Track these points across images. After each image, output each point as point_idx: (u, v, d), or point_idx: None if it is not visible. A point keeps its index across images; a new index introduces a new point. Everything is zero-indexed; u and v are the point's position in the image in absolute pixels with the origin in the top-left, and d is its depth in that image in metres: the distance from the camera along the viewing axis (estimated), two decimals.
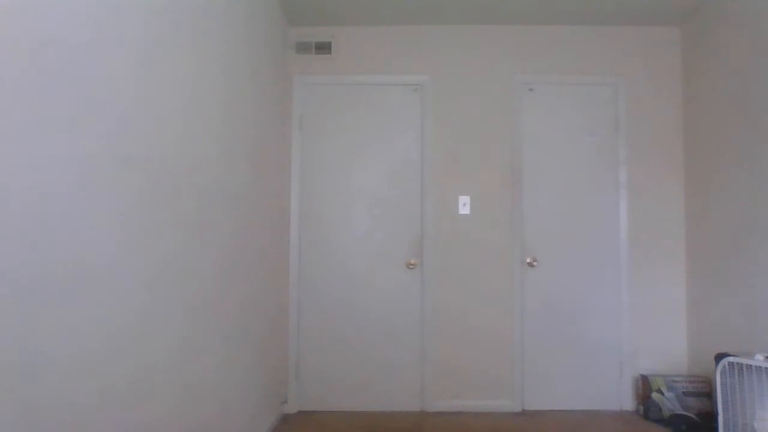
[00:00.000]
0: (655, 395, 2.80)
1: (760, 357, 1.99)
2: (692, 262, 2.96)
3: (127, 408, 1.24)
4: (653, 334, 2.99)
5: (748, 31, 2.50)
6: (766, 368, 1.99)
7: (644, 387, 2.84)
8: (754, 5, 2.47)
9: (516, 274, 2.99)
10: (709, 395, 2.75)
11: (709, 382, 2.76)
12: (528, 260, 3.01)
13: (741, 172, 2.54)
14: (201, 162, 1.71)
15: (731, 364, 2.09)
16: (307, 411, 2.95)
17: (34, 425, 0.92)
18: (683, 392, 2.77)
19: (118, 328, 1.19)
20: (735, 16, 2.61)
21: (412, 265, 3.00)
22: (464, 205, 3.02)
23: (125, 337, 1.23)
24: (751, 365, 2.02)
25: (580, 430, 2.63)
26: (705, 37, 2.86)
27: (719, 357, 2.14)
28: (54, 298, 0.97)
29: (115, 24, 1.19)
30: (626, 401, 2.96)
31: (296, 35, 3.10)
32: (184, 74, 1.57)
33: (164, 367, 1.43)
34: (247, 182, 2.24)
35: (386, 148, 3.07)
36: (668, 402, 2.77)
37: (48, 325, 0.96)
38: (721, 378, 2.12)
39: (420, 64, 3.09)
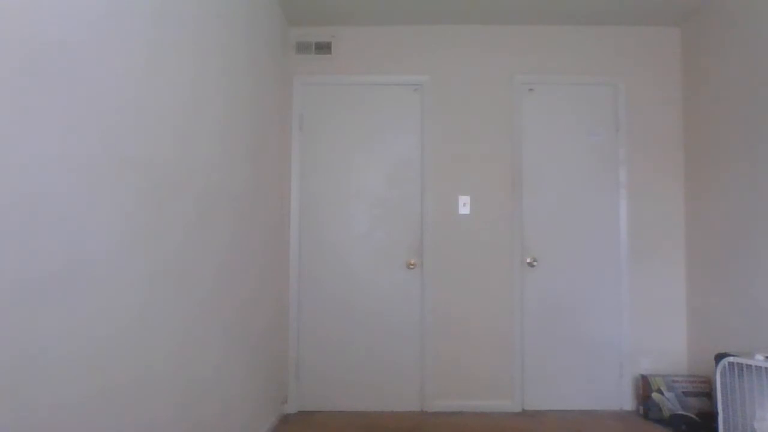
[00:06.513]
0: (655, 395, 2.80)
1: (760, 357, 1.99)
2: (692, 262, 2.96)
3: (127, 408, 1.24)
4: (653, 334, 2.99)
5: (748, 31, 2.50)
6: (766, 368, 1.99)
7: (644, 387, 2.84)
8: (754, 5, 2.47)
9: (516, 274, 2.99)
10: (709, 395, 2.75)
11: (709, 382, 2.76)
12: (528, 260, 3.01)
13: (741, 172, 2.54)
14: (201, 162, 1.71)
15: (731, 364, 2.09)
16: (307, 411, 2.95)
17: (34, 425, 0.92)
18: (683, 392, 2.77)
19: (117, 328, 1.20)
20: (735, 16, 2.61)
21: (412, 265, 3.00)
22: (464, 205, 3.02)
23: (125, 337, 1.23)
24: (751, 365, 2.02)
25: (580, 430, 2.63)
26: (705, 37, 2.86)
27: (719, 357, 2.14)
28: (54, 299, 0.97)
29: (115, 25, 1.19)
30: (626, 401, 2.96)
31: (296, 35, 3.10)
32: (183, 74, 1.57)
33: (164, 368, 1.43)
34: (246, 182, 2.24)
35: (386, 148, 3.07)
36: (668, 402, 2.77)
37: (48, 325, 0.96)
38: (721, 378, 2.12)
39: (420, 64, 3.09)
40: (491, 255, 3.01)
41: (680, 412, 2.70)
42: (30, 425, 0.91)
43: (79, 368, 1.05)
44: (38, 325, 0.93)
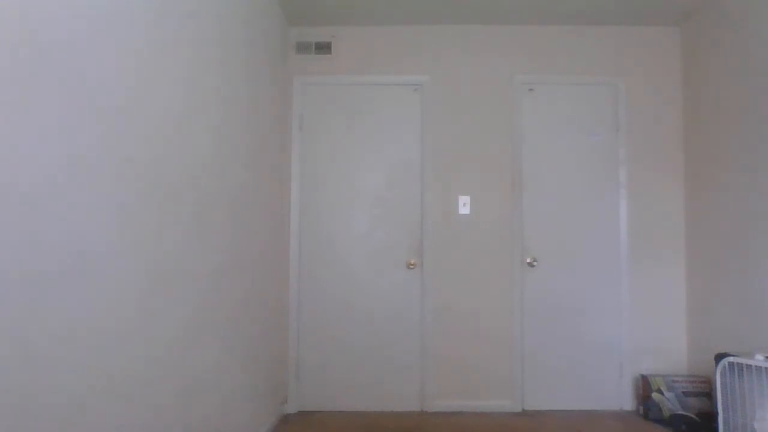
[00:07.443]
0: (655, 395, 2.80)
1: (760, 357, 1.99)
2: (692, 262, 2.96)
3: (126, 408, 1.24)
4: (653, 334, 2.99)
5: (748, 31, 2.50)
6: (766, 368, 1.99)
7: (644, 387, 2.84)
8: (754, 5, 2.47)
9: (516, 274, 2.99)
10: (709, 395, 2.75)
11: (709, 382, 2.76)
12: (528, 260, 3.01)
13: (741, 172, 2.54)
14: (200, 161, 1.71)
15: (731, 364, 2.09)
16: (307, 411, 2.95)
17: (32, 423, 0.92)
18: (683, 392, 2.77)
19: (116, 328, 1.19)
20: (735, 16, 2.61)
21: (412, 265, 3.00)
22: (464, 205, 3.02)
23: (123, 338, 1.23)
24: (751, 365, 2.02)
25: (581, 430, 2.63)
26: (705, 37, 2.86)
27: (719, 357, 2.14)
28: (53, 299, 0.97)
29: (113, 25, 1.19)
30: (626, 401, 2.96)
31: (296, 35, 3.10)
32: (183, 74, 1.57)
33: (163, 367, 1.43)
34: (246, 182, 2.24)
35: (386, 148, 3.07)
36: (668, 402, 2.77)
37: (47, 325, 0.96)
38: (721, 378, 2.12)
39: (420, 64, 3.09)
40: (491, 255, 3.00)
41: (680, 412, 2.70)
42: (30, 424, 0.91)
43: (77, 367, 1.05)
44: (38, 325, 0.93)
